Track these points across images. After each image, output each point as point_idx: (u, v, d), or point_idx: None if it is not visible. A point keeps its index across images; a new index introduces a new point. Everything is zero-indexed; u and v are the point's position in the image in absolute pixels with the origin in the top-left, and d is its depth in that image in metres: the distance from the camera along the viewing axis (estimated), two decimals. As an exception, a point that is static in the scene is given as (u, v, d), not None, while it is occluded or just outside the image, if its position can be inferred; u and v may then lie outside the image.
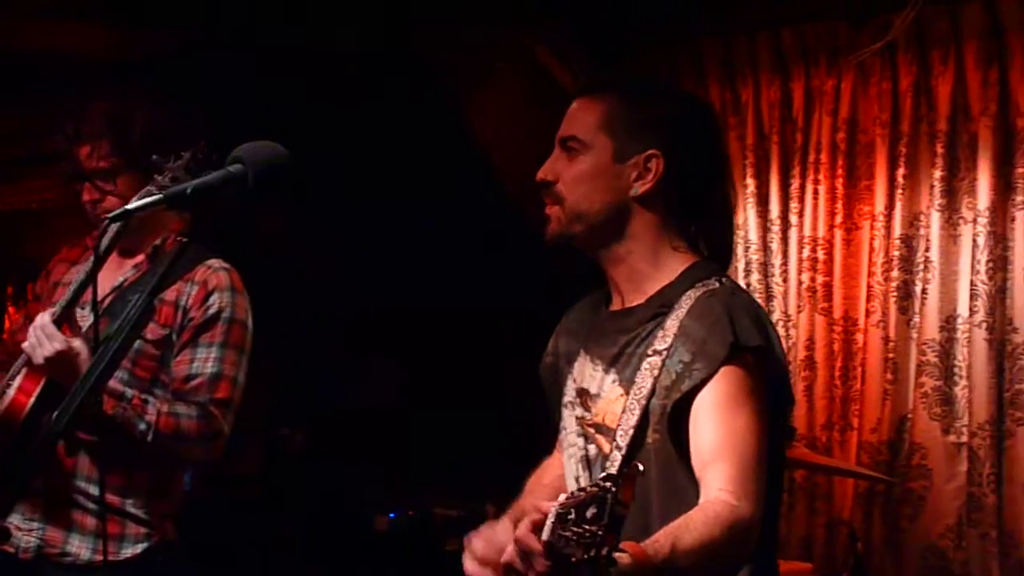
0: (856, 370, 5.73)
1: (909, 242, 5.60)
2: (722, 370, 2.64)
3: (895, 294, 5.61)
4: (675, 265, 2.84)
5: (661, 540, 2.43)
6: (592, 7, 6.21)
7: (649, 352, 2.72)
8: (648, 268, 2.85)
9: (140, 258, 3.77)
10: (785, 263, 5.92)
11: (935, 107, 5.53)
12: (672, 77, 6.23)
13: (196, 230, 2.39)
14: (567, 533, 2.13)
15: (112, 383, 3.54)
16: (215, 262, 3.76)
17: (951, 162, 5.50)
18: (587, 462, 2.85)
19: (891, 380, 5.60)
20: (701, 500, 2.57)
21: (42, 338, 3.46)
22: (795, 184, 5.89)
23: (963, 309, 5.44)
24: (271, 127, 2.56)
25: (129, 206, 2.31)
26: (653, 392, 2.68)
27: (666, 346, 2.70)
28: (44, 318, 3.49)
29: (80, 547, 3.66)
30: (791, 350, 5.85)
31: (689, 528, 2.48)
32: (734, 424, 2.63)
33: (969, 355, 5.41)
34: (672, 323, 2.72)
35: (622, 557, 2.27)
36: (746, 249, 6.02)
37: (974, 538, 5.41)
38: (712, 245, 2.90)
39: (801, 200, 5.87)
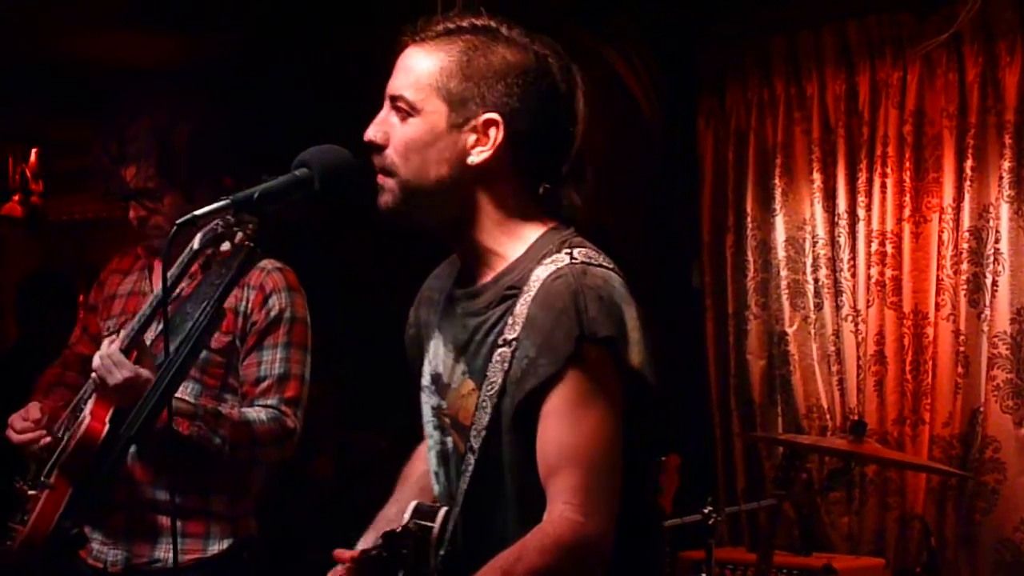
0: (927, 364, 5.70)
1: (978, 234, 5.56)
2: (568, 367, 2.39)
3: (965, 287, 5.57)
4: (524, 234, 2.55)
5: (488, 575, 2.33)
6: (657, 6, 6.20)
7: (499, 342, 2.47)
8: (495, 242, 2.56)
9: (193, 268, 3.79)
10: (853, 258, 5.89)
11: (1002, 98, 5.49)
12: (738, 73, 6.23)
13: (262, 235, 2.39)
14: None
15: (184, 404, 3.58)
16: (268, 263, 3.78)
17: (1020, 153, 5.46)
18: (445, 457, 2.62)
19: (962, 374, 5.56)
20: (545, 516, 2.39)
21: (110, 366, 3.48)
22: (862, 178, 5.86)
23: (1034, 301, 5.40)
24: (327, 133, 2.56)
25: (197, 212, 2.32)
26: (504, 389, 2.45)
27: (515, 336, 2.45)
28: (112, 347, 3.52)
29: (168, 551, 3.72)
30: (861, 345, 5.83)
31: (521, 558, 2.35)
32: (581, 428, 2.40)
33: (1041, 347, 5.37)
34: (521, 309, 2.46)
35: None
36: (814, 244, 6.00)
37: (1048, 531, 5.37)
38: (564, 208, 2.59)
39: (869, 194, 5.85)
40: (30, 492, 3.63)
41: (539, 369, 2.40)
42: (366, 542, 2.71)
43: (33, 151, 8.41)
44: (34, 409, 3.74)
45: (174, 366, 2.32)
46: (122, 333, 3.64)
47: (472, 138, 2.50)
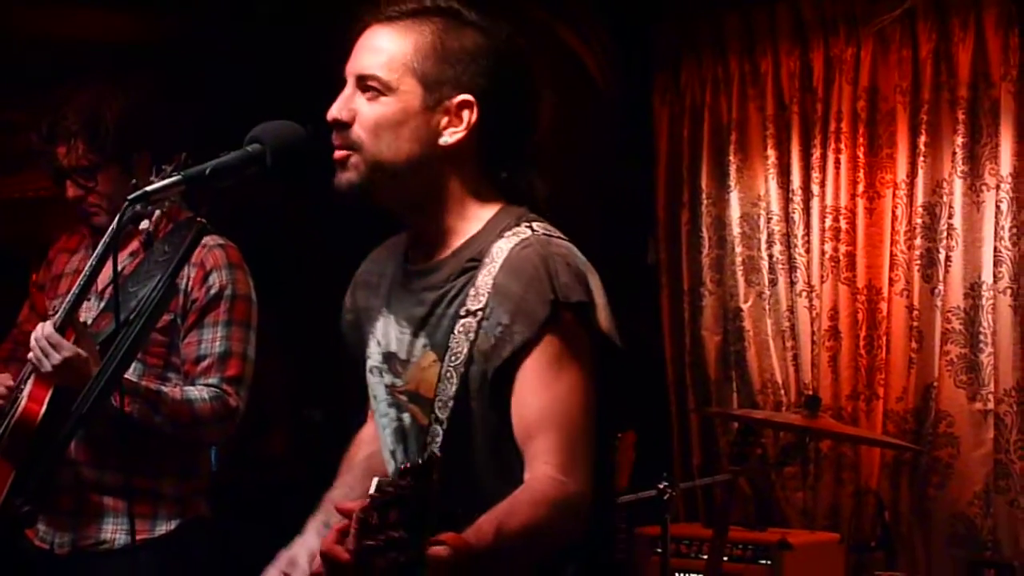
0: (881, 339, 5.73)
1: (932, 210, 5.59)
2: (543, 331, 2.42)
3: (919, 262, 5.61)
4: (481, 212, 2.57)
5: (484, 527, 2.29)
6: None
7: (462, 312, 2.48)
8: (455, 221, 2.57)
9: (134, 245, 3.75)
10: (808, 233, 5.91)
11: (956, 74, 5.52)
12: (693, 50, 6.23)
13: (211, 211, 2.37)
14: (371, 541, 2.01)
15: (125, 382, 3.54)
16: (209, 240, 3.71)
17: (973, 128, 5.49)
18: (402, 433, 2.62)
19: (916, 348, 5.60)
20: (526, 476, 2.42)
21: (47, 348, 3.43)
22: (816, 154, 5.88)
23: (987, 276, 5.43)
24: (281, 110, 2.54)
25: (148, 187, 2.30)
26: (471, 358, 2.46)
27: (480, 306, 2.46)
28: (47, 328, 3.46)
29: (115, 532, 3.68)
30: (815, 320, 5.86)
31: (514, 511, 2.34)
32: (557, 391, 2.43)
33: (994, 322, 5.40)
34: (484, 279, 2.48)
35: (440, 550, 2.14)
36: (768, 220, 6.02)
37: (1002, 505, 5.41)
38: (521, 190, 2.60)
39: (823, 170, 5.87)
40: None
41: (515, 336, 2.42)
42: (315, 525, 2.70)
43: (-20, 132, 8.32)
44: (6, 378, 3.70)
45: (125, 343, 2.29)
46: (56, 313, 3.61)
47: (445, 119, 2.51)
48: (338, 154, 2.52)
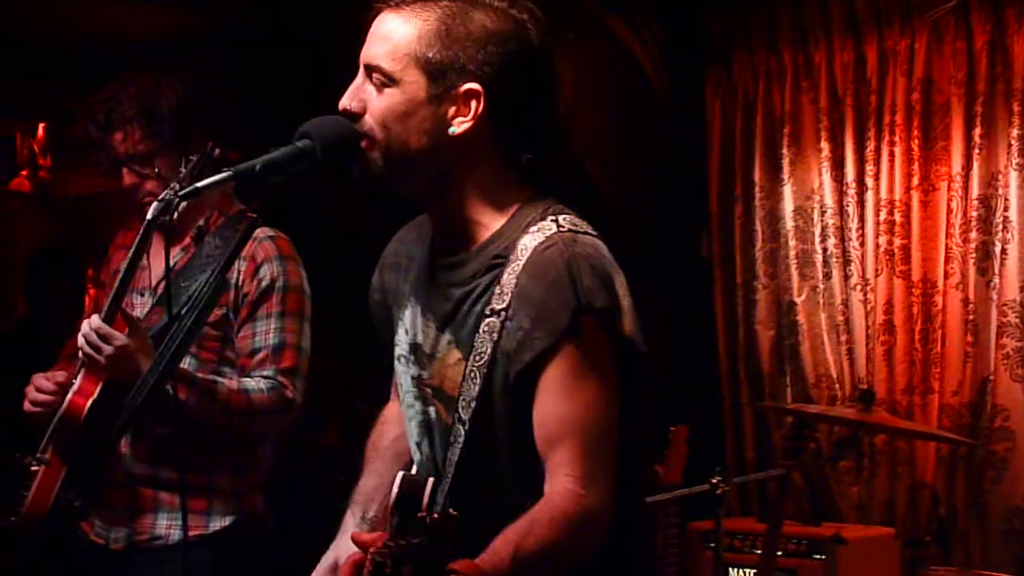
0: (936, 333, 5.69)
1: (987, 202, 5.55)
2: (564, 338, 2.38)
3: (974, 255, 5.56)
4: (506, 204, 2.51)
5: (500, 550, 2.29)
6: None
7: (487, 312, 2.44)
8: (477, 212, 2.51)
9: (186, 241, 3.77)
10: (862, 227, 5.88)
11: (1011, 65, 5.47)
12: (745, 42, 6.21)
13: (264, 207, 2.38)
14: None
15: (181, 372, 3.56)
16: (260, 232, 3.72)
17: (1028, 120, 5.44)
18: (428, 427, 2.59)
19: (971, 342, 5.56)
20: (546, 487, 2.38)
21: (95, 340, 3.46)
22: (870, 147, 5.85)
23: (1044, 268, 5.39)
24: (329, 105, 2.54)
25: (199, 183, 2.31)
26: (495, 359, 2.42)
27: (504, 306, 2.42)
28: (95, 320, 3.48)
29: (169, 527, 3.70)
30: (870, 314, 5.83)
31: (532, 531, 2.33)
32: (579, 400, 2.39)
33: (1050, 315, 5.37)
34: (509, 278, 2.42)
35: None
36: (822, 213, 5.99)
37: (1059, 499, 5.37)
38: (545, 177, 2.54)
39: (877, 163, 5.83)
40: (33, 468, 3.62)
41: (535, 342, 2.38)
42: (354, 520, 2.69)
43: (41, 126, 8.40)
44: (60, 375, 3.72)
45: (178, 337, 2.31)
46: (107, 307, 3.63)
47: (452, 109, 2.44)
48: (363, 143, 2.47)
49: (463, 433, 2.45)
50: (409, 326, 2.62)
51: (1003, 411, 5.47)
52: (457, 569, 2.17)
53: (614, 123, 6.24)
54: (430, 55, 2.43)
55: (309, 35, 6.04)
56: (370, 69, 2.47)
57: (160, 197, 3.40)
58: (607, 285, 2.41)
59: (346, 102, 2.47)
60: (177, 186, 3.43)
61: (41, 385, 3.68)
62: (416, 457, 2.64)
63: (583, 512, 2.36)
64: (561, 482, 2.37)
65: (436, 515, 2.07)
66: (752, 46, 6.21)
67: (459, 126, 2.45)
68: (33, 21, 6.46)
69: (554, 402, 2.40)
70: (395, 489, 2.54)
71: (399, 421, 2.76)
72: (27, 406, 3.70)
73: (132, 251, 3.49)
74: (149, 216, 3.18)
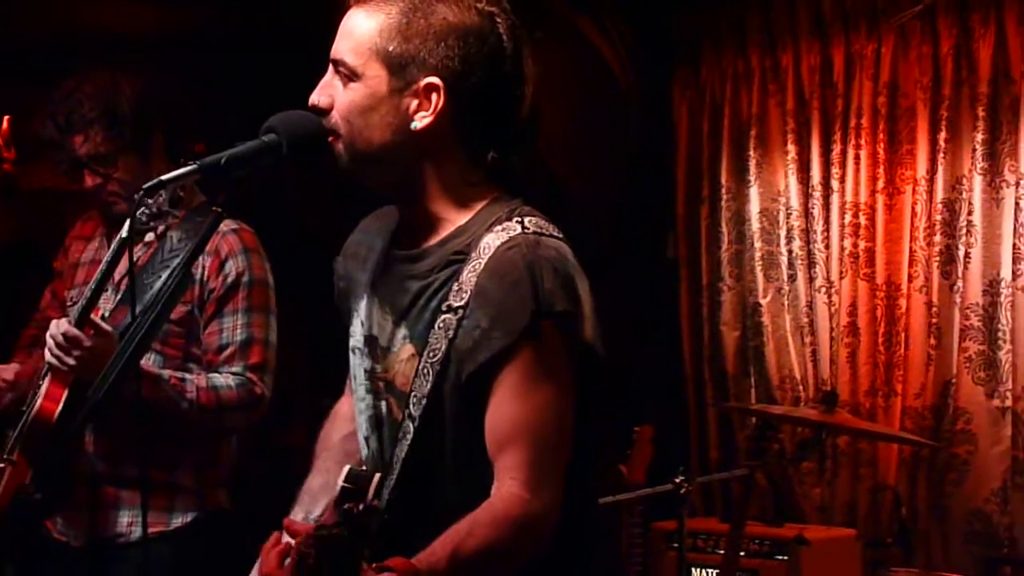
0: (899, 335, 5.72)
1: (951, 206, 5.58)
2: (522, 340, 2.34)
3: (938, 259, 5.59)
4: (471, 201, 2.49)
5: (438, 550, 2.26)
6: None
7: (443, 308, 2.40)
8: (441, 207, 2.48)
9: (148, 236, 3.74)
10: (827, 229, 5.91)
11: (976, 70, 5.50)
12: (713, 44, 6.23)
13: (229, 201, 2.37)
14: None
15: (148, 367, 3.56)
16: (223, 225, 3.68)
17: (993, 125, 5.47)
18: (378, 422, 2.55)
19: (934, 345, 5.59)
20: (493, 490, 2.35)
21: (64, 344, 3.43)
22: (836, 150, 5.87)
23: (1006, 272, 5.42)
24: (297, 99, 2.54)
25: (164, 177, 2.29)
26: (448, 357, 2.39)
27: (462, 303, 2.38)
28: (63, 324, 3.46)
29: (131, 524, 3.68)
30: (834, 316, 5.85)
31: (472, 532, 2.30)
32: (533, 403, 2.35)
33: (1013, 319, 5.39)
34: (468, 276, 2.39)
35: None
36: (788, 215, 6.01)
37: (1019, 502, 5.40)
38: (511, 176, 2.51)
39: (843, 166, 5.86)
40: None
41: (492, 342, 2.35)
42: (297, 517, 2.66)
43: (5, 119, 8.35)
44: (7, 370, 3.71)
45: (139, 332, 2.29)
46: (72, 308, 3.61)
47: (414, 103, 2.42)
48: (331, 139, 2.46)
49: (412, 430, 2.43)
50: (365, 318, 2.59)
51: (965, 414, 5.50)
52: (392, 567, 2.17)
53: (582, 123, 6.24)
54: (390, 48, 2.41)
55: (279, 31, 6.03)
56: (336, 64, 2.46)
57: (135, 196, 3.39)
58: (568, 289, 2.38)
59: (315, 97, 2.46)
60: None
61: None
62: (364, 452, 2.61)
63: (527, 516, 2.34)
64: (507, 485, 2.35)
65: (358, 507, 2.07)
66: (720, 48, 6.24)
67: (420, 120, 2.42)
68: (-1, 13, 6.43)
69: (507, 404, 2.36)
70: (339, 482, 2.52)
71: (350, 418, 2.73)
72: None
73: (110, 252, 3.47)
74: (127, 223, 3.15)
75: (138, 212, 3.32)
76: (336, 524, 2.06)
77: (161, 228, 3.67)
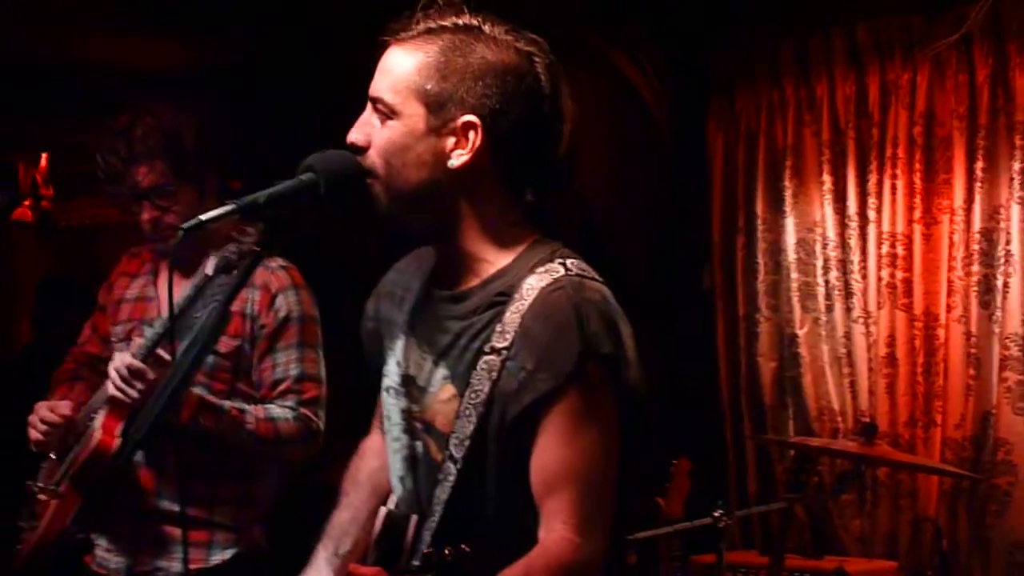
0: (938, 366, 5.68)
1: (989, 236, 5.55)
2: (568, 383, 2.34)
3: (976, 288, 5.56)
4: (511, 243, 2.49)
5: None
6: (667, 11, 6.20)
7: (486, 349, 2.40)
8: (480, 248, 2.49)
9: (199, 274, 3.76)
10: (864, 260, 5.88)
11: (1013, 98, 5.47)
12: (748, 75, 6.23)
13: (269, 239, 2.38)
14: None
15: (210, 400, 3.58)
16: (272, 262, 3.75)
17: (1030, 153, 5.45)
18: (413, 463, 2.55)
19: (974, 375, 5.55)
20: (541, 534, 2.37)
21: (128, 377, 3.47)
22: (872, 180, 5.85)
23: (1046, 302, 5.39)
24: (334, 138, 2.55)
25: (203, 216, 2.31)
26: (492, 398, 2.39)
27: (505, 345, 2.38)
28: (126, 357, 3.50)
29: (170, 560, 3.70)
30: (872, 347, 5.82)
31: None
32: (580, 445, 2.36)
33: (1053, 349, 5.36)
34: (512, 317, 2.39)
35: None
36: (824, 246, 5.99)
37: (1062, 534, 5.36)
38: (551, 217, 2.54)
39: (879, 196, 5.83)
40: (40, 496, 3.62)
41: (538, 384, 2.35)
42: (325, 555, 2.67)
43: (43, 156, 8.43)
44: (64, 407, 3.72)
45: (182, 368, 2.30)
46: (135, 343, 3.63)
47: (451, 141, 2.42)
48: (368, 180, 2.46)
49: (454, 472, 2.42)
50: (401, 358, 2.59)
51: (1005, 445, 5.46)
52: None
53: (617, 156, 6.25)
54: (429, 87, 2.42)
55: (311, 69, 6.06)
56: (374, 102, 2.47)
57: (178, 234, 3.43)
58: (613, 332, 2.38)
59: (353, 135, 2.47)
60: None
61: (46, 417, 3.69)
62: (398, 492, 2.60)
63: (580, 561, 2.35)
64: (558, 529, 2.36)
65: (447, 551, 2.07)
66: (754, 79, 6.23)
67: (458, 158, 2.42)
68: (35, 53, 6.49)
69: (554, 447, 2.37)
70: (378, 525, 2.52)
71: (379, 454, 2.73)
72: (34, 436, 3.70)
73: (191, 292, 3.51)
74: (212, 260, 3.19)
75: (226, 250, 3.37)
76: (422, 569, 2.06)
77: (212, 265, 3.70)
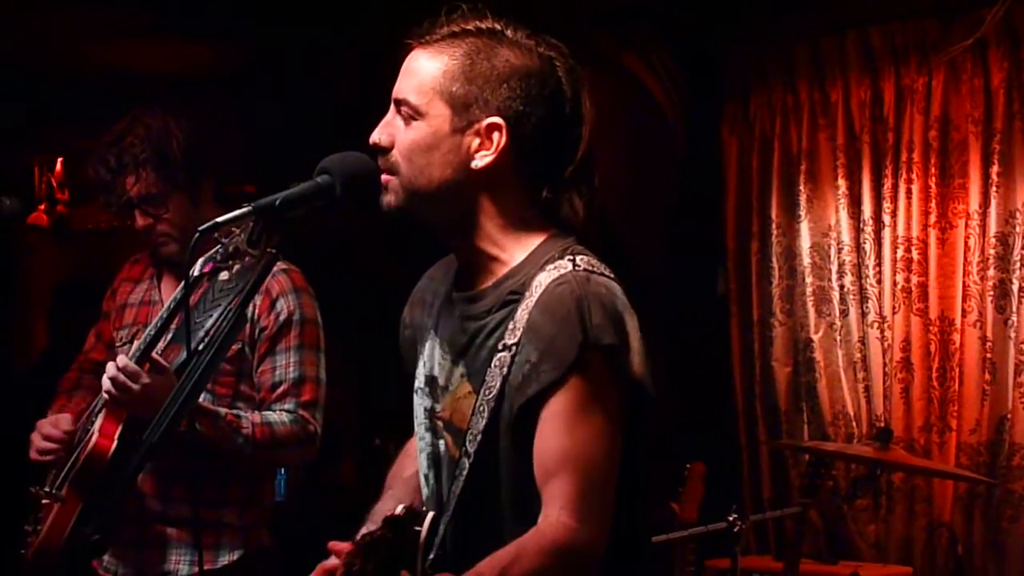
0: (954, 371, 5.67)
1: (1005, 240, 5.54)
2: (570, 373, 2.39)
3: (992, 293, 5.55)
4: (526, 240, 2.54)
5: (485, 572, 2.32)
6: (678, 12, 6.20)
7: (499, 347, 2.46)
8: (496, 247, 2.54)
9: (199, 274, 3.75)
10: (879, 264, 5.87)
11: (1029, 103, 5.48)
12: (762, 79, 6.22)
13: (284, 242, 2.39)
14: None
15: (206, 407, 3.59)
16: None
17: (1046, 158, 5.44)
18: (436, 460, 2.60)
19: (989, 380, 5.54)
20: (540, 518, 2.40)
21: (124, 381, 3.46)
22: (887, 184, 5.84)
23: (1062, 307, 5.38)
24: (349, 140, 2.56)
25: (219, 219, 2.32)
26: (503, 393, 2.44)
27: (515, 341, 2.44)
28: (121, 359, 3.50)
29: (178, 562, 3.72)
30: (887, 352, 5.81)
31: (520, 558, 2.35)
32: (581, 434, 2.39)
33: (1069, 353, 5.35)
34: (522, 314, 2.45)
35: None
36: (839, 251, 5.98)
37: (1077, 539, 5.35)
38: (566, 214, 2.55)
39: (894, 200, 5.83)
40: (44, 500, 3.62)
41: (541, 375, 2.39)
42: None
43: (58, 161, 8.44)
44: (64, 421, 3.73)
45: (196, 372, 2.31)
46: (133, 346, 3.64)
47: (476, 142, 2.48)
48: (383, 178, 2.51)
49: (467, 467, 2.47)
50: (427, 359, 2.64)
51: (1021, 449, 5.46)
52: None
53: (631, 159, 6.24)
54: (454, 89, 2.48)
55: (328, 74, 6.07)
56: (399, 103, 2.52)
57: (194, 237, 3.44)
58: (616, 323, 2.42)
59: (376, 136, 2.52)
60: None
61: (49, 433, 3.70)
62: (424, 490, 2.65)
63: (574, 545, 2.37)
64: (555, 514, 2.38)
65: (399, 512, 2.09)
66: (769, 83, 6.22)
67: (481, 159, 2.48)
68: (50, 57, 6.50)
69: (555, 434, 2.40)
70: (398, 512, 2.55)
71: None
72: (34, 455, 3.72)
73: (179, 295, 3.51)
74: (199, 262, 3.19)
75: (213, 251, 3.36)
76: (378, 529, 2.08)
77: (210, 268, 3.69)
